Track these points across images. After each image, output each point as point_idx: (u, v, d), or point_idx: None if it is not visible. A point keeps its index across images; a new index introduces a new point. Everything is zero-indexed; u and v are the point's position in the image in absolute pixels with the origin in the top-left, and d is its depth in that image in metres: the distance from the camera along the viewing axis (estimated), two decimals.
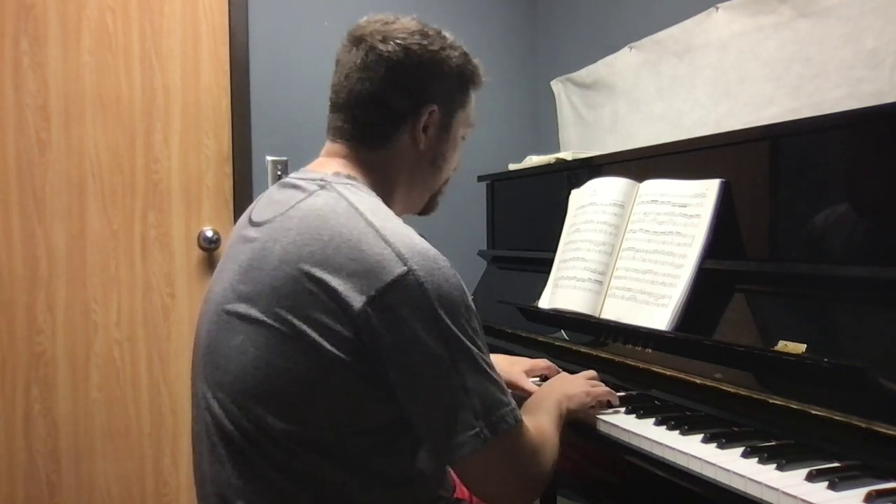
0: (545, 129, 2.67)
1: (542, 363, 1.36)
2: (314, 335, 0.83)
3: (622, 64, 2.19)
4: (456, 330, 0.84)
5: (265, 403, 0.86)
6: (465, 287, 0.88)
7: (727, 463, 0.90)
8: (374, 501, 0.90)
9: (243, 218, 1.02)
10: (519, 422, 0.89)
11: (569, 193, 1.64)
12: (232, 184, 2.22)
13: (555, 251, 1.59)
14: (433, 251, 0.87)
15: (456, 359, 0.84)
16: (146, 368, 2.13)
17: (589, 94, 2.37)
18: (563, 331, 1.54)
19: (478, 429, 0.84)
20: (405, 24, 0.99)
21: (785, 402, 0.99)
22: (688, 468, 0.95)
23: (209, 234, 2.17)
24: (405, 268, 0.83)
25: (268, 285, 0.87)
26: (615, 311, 1.36)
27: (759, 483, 0.84)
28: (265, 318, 0.86)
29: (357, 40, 0.98)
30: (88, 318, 2.06)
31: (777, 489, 0.82)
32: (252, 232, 0.95)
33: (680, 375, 1.18)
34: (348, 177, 0.96)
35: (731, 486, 0.88)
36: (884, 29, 1.42)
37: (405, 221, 0.93)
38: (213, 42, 2.19)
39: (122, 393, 2.11)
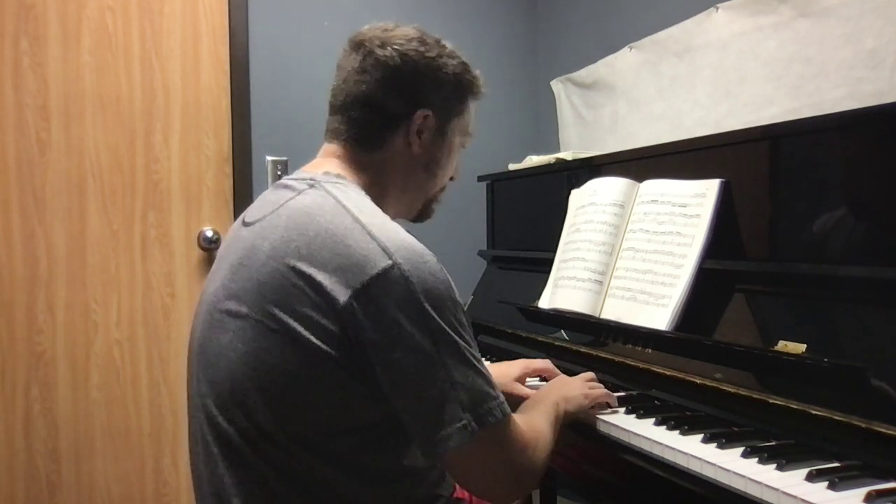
0: (545, 129, 2.67)
1: (538, 364, 1.35)
2: (301, 329, 0.84)
3: (622, 64, 2.19)
4: (442, 323, 0.84)
5: (255, 400, 0.86)
6: (451, 281, 0.88)
7: (727, 463, 0.90)
8: (368, 499, 0.90)
9: (238, 220, 1.04)
10: (507, 415, 0.89)
11: (569, 193, 1.64)
12: (232, 184, 2.22)
13: (555, 251, 1.59)
14: (419, 246, 0.87)
15: (442, 352, 0.84)
16: (146, 368, 2.13)
17: (589, 94, 2.37)
18: (563, 331, 1.54)
19: (465, 421, 0.84)
20: (404, 31, 1.01)
21: (785, 402, 0.99)
22: (688, 468, 0.95)
23: (209, 234, 2.17)
24: (390, 261, 0.83)
25: (255, 281, 0.88)
26: (615, 311, 1.36)
27: (759, 483, 0.84)
28: (253, 314, 0.87)
29: (357, 45, 1.01)
30: (88, 318, 2.06)
31: (777, 489, 0.81)
32: (244, 232, 0.97)
33: (680, 375, 1.18)
34: (338, 176, 0.98)
35: (731, 486, 0.88)
36: (884, 29, 1.42)
37: (404, 228, 0.93)
38: (213, 42, 2.19)
39: (122, 393, 2.11)
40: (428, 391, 0.84)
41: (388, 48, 0.98)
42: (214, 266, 1.01)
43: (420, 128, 1.01)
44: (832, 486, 0.81)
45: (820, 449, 0.92)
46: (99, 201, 2.07)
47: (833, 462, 0.89)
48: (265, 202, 0.99)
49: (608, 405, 1.16)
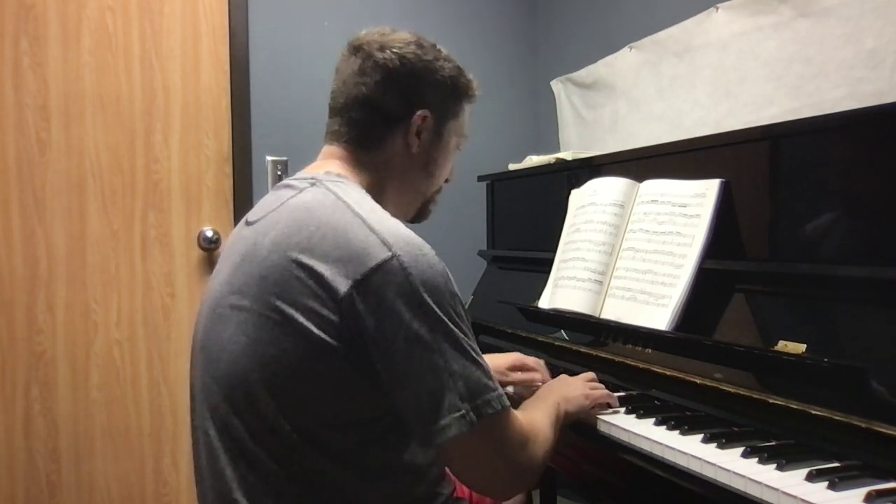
0: (545, 129, 2.67)
1: (527, 360, 1.36)
2: (302, 320, 0.85)
3: (622, 64, 2.19)
4: (440, 313, 0.85)
5: (257, 391, 0.87)
6: (449, 274, 0.90)
7: (727, 463, 0.90)
8: (368, 495, 0.91)
9: (241, 221, 1.06)
10: (506, 408, 0.89)
11: (569, 193, 1.64)
12: (232, 184, 2.22)
13: (555, 251, 1.59)
14: (418, 239, 0.89)
15: (440, 342, 0.85)
16: (146, 368, 2.13)
17: (589, 94, 2.37)
18: (562, 331, 1.54)
19: (463, 411, 0.84)
20: (402, 35, 1.05)
21: (785, 402, 0.99)
22: (688, 468, 0.95)
23: (209, 234, 2.17)
24: (390, 253, 0.85)
25: (257, 275, 0.90)
26: (615, 311, 1.36)
27: (759, 483, 0.84)
28: (255, 307, 0.88)
29: (355, 49, 1.04)
30: (88, 318, 2.06)
31: (777, 489, 0.82)
32: (246, 231, 0.99)
33: (680, 375, 1.18)
34: (338, 175, 1.00)
35: (731, 486, 0.88)
36: (884, 29, 1.42)
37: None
38: (213, 42, 2.19)
39: (122, 393, 2.11)
40: (426, 381, 0.85)
41: (387, 51, 1.01)
42: (217, 266, 1.03)
43: (419, 128, 1.04)
44: (832, 486, 0.81)
45: (820, 449, 0.92)
46: (99, 201, 2.07)
47: (833, 462, 0.89)
48: (267, 202, 1.01)
49: (609, 405, 1.16)
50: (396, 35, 1.04)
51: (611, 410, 1.15)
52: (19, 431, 1.99)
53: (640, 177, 1.44)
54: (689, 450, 0.96)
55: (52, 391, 2.02)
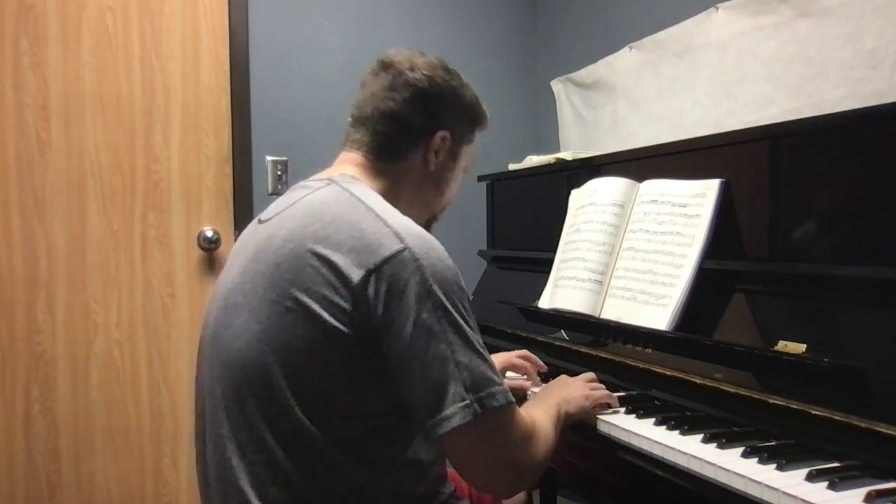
0: (545, 129, 2.67)
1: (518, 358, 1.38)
2: (315, 308, 0.87)
3: (622, 64, 2.19)
4: (449, 306, 0.88)
5: (269, 377, 0.88)
6: (458, 270, 0.92)
7: (727, 463, 0.90)
8: (371, 485, 0.92)
9: (253, 220, 1.09)
10: (510, 403, 0.90)
11: (569, 193, 1.64)
12: (232, 184, 2.22)
13: (555, 251, 1.59)
14: (429, 235, 0.93)
15: (448, 332, 0.87)
16: (146, 368, 2.13)
17: (589, 94, 2.37)
18: (563, 331, 1.54)
19: (468, 401, 0.85)
20: (430, 59, 1.11)
21: (785, 402, 0.99)
22: (688, 468, 0.95)
23: (209, 234, 2.17)
24: (402, 245, 0.88)
25: (272, 264, 0.93)
26: (615, 311, 1.36)
27: (759, 483, 0.84)
28: (268, 295, 0.91)
29: (386, 66, 1.09)
30: (88, 318, 2.06)
31: (777, 489, 0.82)
32: (259, 228, 1.02)
33: (680, 375, 1.18)
34: (353, 177, 1.03)
35: (731, 486, 0.88)
36: (884, 29, 1.42)
37: None
38: (213, 42, 2.19)
39: (122, 393, 2.11)
40: (432, 369, 0.86)
41: (418, 72, 1.07)
42: (228, 263, 1.05)
43: (438, 147, 1.09)
44: (832, 486, 0.81)
45: (820, 449, 0.92)
46: (99, 201, 2.07)
47: (833, 462, 0.89)
48: (281, 202, 1.05)
49: (609, 405, 1.16)
50: (426, 59, 1.10)
51: (611, 410, 1.15)
52: (19, 431, 1.99)
53: (640, 177, 1.44)
54: (689, 450, 0.96)
55: (52, 391, 2.02)
